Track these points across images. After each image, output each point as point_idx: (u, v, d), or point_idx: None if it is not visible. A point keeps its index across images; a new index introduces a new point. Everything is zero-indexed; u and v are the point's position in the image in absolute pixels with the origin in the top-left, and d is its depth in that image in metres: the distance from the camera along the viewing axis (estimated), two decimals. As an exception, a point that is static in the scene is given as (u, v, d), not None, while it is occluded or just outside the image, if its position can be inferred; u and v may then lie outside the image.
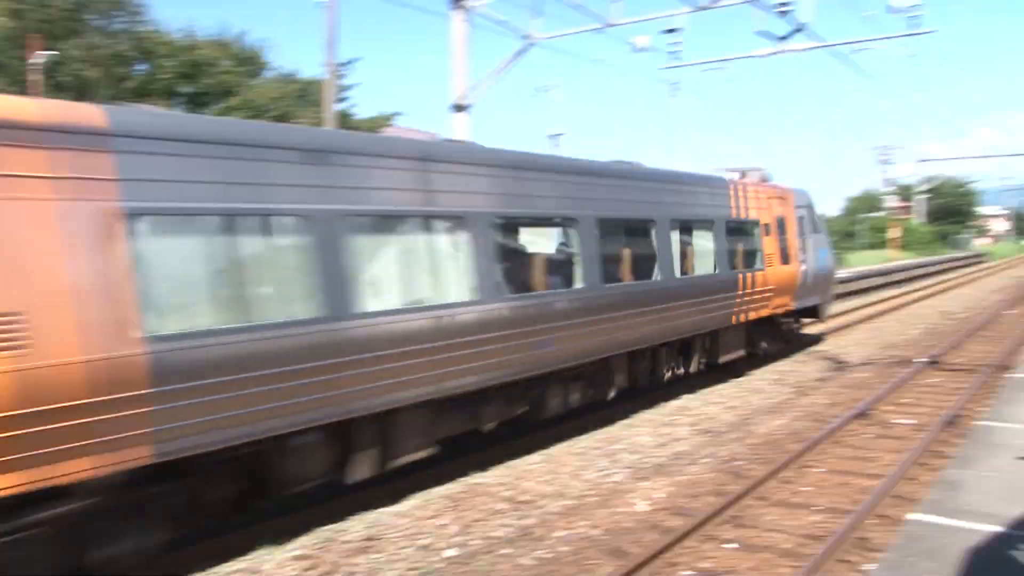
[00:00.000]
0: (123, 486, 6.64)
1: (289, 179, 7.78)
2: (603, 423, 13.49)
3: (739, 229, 16.61)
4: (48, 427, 5.85)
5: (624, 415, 14.04)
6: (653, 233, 13.52)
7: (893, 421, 13.52)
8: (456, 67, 20.89)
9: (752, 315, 16.96)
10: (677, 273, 14.08)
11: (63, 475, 5.99)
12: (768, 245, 17.54)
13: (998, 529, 7.03)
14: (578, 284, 11.76)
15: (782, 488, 10.17)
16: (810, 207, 20.01)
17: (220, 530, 8.47)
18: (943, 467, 9.38)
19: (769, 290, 17.47)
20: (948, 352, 20.34)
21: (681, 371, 15.41)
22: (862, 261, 56.45)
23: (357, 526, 8.82)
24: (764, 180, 18.15)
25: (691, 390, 16.01)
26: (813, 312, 20.39)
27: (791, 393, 16.17)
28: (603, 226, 12.12)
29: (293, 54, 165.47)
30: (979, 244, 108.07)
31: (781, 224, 18.35)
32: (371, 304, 8.30)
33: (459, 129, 21.23)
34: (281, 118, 28.88)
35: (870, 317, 28.29)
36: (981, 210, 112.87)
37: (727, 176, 17.46)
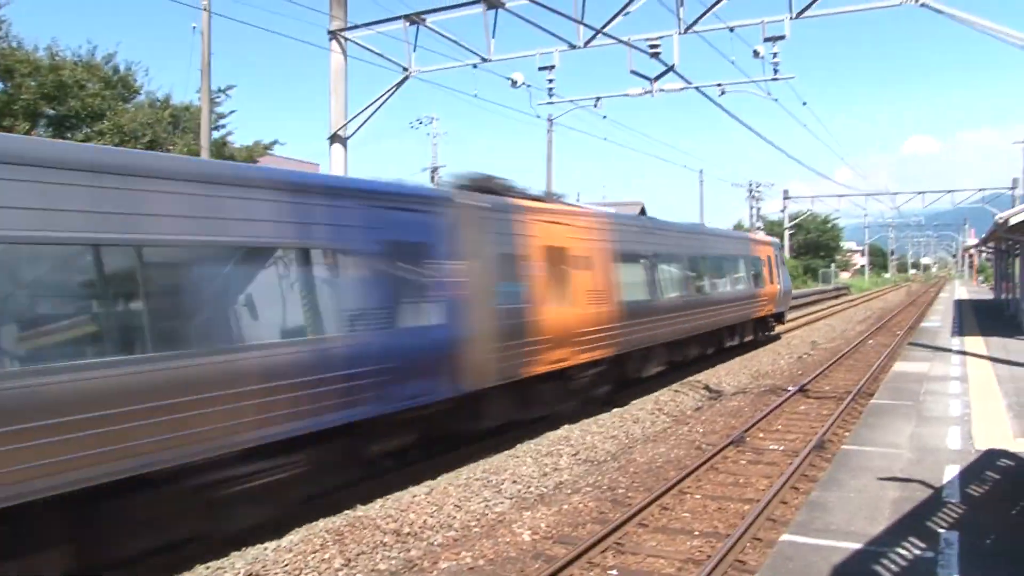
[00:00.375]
0: None
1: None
2: (486, 452, 13.61)
3: (754, 262, 28.74)
4: None
5: (507, 445, 14.20)
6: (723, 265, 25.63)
7: (766, 447, 14.11)
8: (334, 98, 20.79)
9: (758, 314, 28.94)
10: (730, 287, 25.83)
11: None
12: (764, 272, 29.58)
13: (859, 546, 7.46)
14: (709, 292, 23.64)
15: (662, 514, 10.48)
16: (780, 249, 30.30)
17: None
18: (812, 490, 9.82)
19: (765, 299, 29.39)
20: (816, 380, 21.32)
21: (736, 341, 27.50)
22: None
23: (238, 563, 8.64)
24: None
25: (572, 420, 16.29)
26: (779, 316, 32.69)
27: (669, 422, 16.66)
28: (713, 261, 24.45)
29: (166, 78, 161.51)
30: (843, 277, 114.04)
31: (768, 260, 30.39)
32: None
33: (336, 160, 21.15)
34: (153, 144, 28.11)
35: (743, 349, 29.36)
36: (844, 245, 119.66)
37: (744, 233, 31.03)
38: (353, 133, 21.40)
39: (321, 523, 9.96)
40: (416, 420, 11.36)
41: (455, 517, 10.24)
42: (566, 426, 15.70)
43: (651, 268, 19.61)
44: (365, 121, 21.57)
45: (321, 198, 9.84)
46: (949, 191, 58.27)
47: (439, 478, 12.09)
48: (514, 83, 20.92)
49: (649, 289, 19.27)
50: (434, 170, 52.41)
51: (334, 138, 20.88)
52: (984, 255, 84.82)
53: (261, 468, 8.96)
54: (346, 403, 9.75)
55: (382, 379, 10.25)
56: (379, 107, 21.48)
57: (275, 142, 33.87)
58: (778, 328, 33.72)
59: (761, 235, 34.83)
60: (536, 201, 15.20)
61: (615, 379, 17.52)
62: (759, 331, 30.59)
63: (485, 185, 14.06)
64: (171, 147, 28.34)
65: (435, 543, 9.43)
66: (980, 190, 57.97)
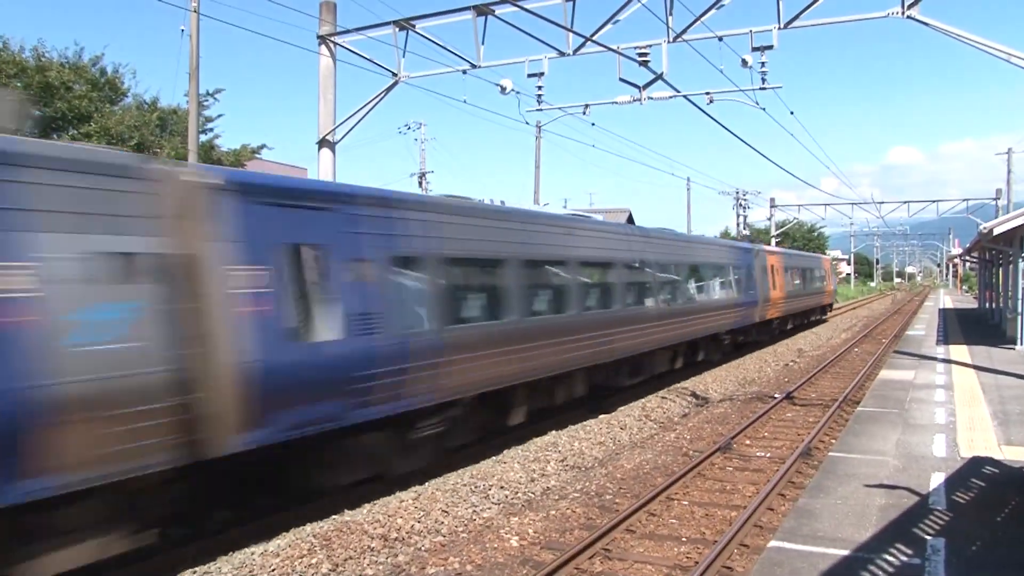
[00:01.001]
0: None
1: None
2: (473, 459, 13.62)
3: (763, 269, 32.69)
4: None
5: (495, 451, 14.21)
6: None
7: (753, 454, 14.19)
8: (323, 102, 20.77)
9: (768, 315, 33.14)
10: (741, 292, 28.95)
11: None
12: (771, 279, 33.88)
13: (847, 553, 7.52)
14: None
15: (650, 521, 10.52)
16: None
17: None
18: (799, 496, 9.90)
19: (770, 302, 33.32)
20: (802, 388, 21.44)
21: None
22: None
23: (225, 567, 8.63)
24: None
25: (560, 426, 16.34)
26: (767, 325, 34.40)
27: (656, 428, 16.70)
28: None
29: (154, 80, 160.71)
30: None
31: (774, 268, 34.32)
32: None
33: (325, 165, 21.12)
34: (140, 147, 28.01)
35: (730, 357, 29.48)
36: (830, 254, 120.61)
37: (750, 245, 33.18)
38: (342, 138, 21.39)
39: (308, 528, 9.95)
40: None
41: (443, 522, 10.24)
42: (553, 432, 15.69)
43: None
44: (354, 126, 21.58)
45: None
46: (934, 201, 58.50)
47: (427, 483, 12.09)
48: (503, 89, 20.96)
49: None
50: (421, 175, 52.58)
51: (323, 142, 20.85)
52: (968, 265, 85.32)
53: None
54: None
55: None
56: (368, 112, 21.48)
57: (263, 146, 33.84)
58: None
59: (770, 248, 37.30)
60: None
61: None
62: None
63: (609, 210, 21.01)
64: (159, 150, 28.25)
65: (423, 548, 9.43)
66: (964, 200, 58.26)
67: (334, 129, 21.03)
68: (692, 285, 23.83)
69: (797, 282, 38.84)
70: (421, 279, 11.80)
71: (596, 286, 17.54)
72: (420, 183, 51.96)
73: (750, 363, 27.50)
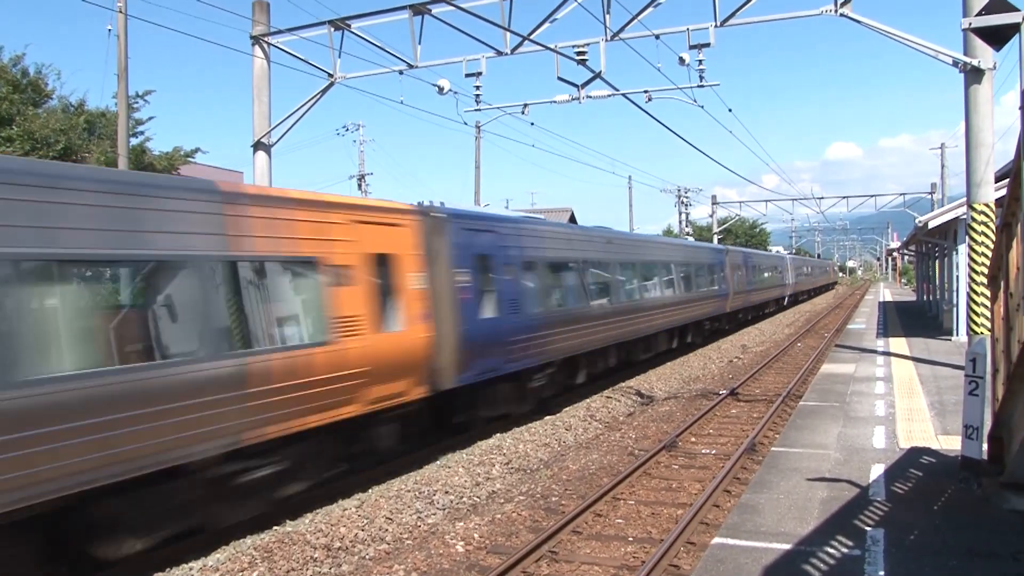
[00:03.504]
0: None
1: None
2: (417, 464, 13.60)
3: (732, 266, 37.46)
4: None
5: (439, 455, 14.22)
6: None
7: (698, 451, 14.36)
8: (257, 104, 20.51)
9: (729, 308, 36.54)
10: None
11: None
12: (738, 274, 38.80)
13: (789, 547, 7.67)
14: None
15: (596, 521, 10.60)
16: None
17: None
18: (743, 492, 10.07)
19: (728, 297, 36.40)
20: (746, 384, 21.75)
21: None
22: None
23: (162, 584, 8.52)
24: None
25: (504, 429, 16.38)
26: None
27: (601, 428, 16.85)
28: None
29: (81, 82, 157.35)
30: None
31: (738, 265, 39.17)
32: None
33: (260, 169, 20.90)
34: (67, 152, 27.38)
35: (674, 354, 29.62)
36: (772, 250, 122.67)
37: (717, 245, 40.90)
38: (277, 140, 21.17)
39: (249, 540, 9.86)
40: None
41: (387, 530, 10.21)
42: (498, 435, 15.77)
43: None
44: (290, 128, 21.37)
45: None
46: (872, 195, 59.63)
47: (370, 491, 12.05)
48: (440, 90, 20.94)
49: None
50: (360, 178, 52.16)
51: (258, 145, 20.63)
52: (907, 258, 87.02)
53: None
54: None
55: None
56: (304, 113, 21.28)
57: (197, 150, 33.29)
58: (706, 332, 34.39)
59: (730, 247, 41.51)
60: None
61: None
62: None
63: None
64: (86, 155, 27.62)
65: (367, 557, 9.39)
66: (901, 194, 59.46)
67: (269, 132, 20.80)
68: (690, 281, 29.99)
69: (760, 276, 47.01)
70: (535, 277, 17.19)
71: (630, 281, 23.46)
72: (359, 186, 51.63)
73: (695, 361, 27.81)
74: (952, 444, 11.40)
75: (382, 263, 12.13)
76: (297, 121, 21.30)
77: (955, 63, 15.83)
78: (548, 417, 17.64)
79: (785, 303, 48.16)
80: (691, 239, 46.92)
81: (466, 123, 34.52)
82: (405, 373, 12.36)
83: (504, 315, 15.31)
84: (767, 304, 48.92)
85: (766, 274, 49.10)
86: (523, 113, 23.99)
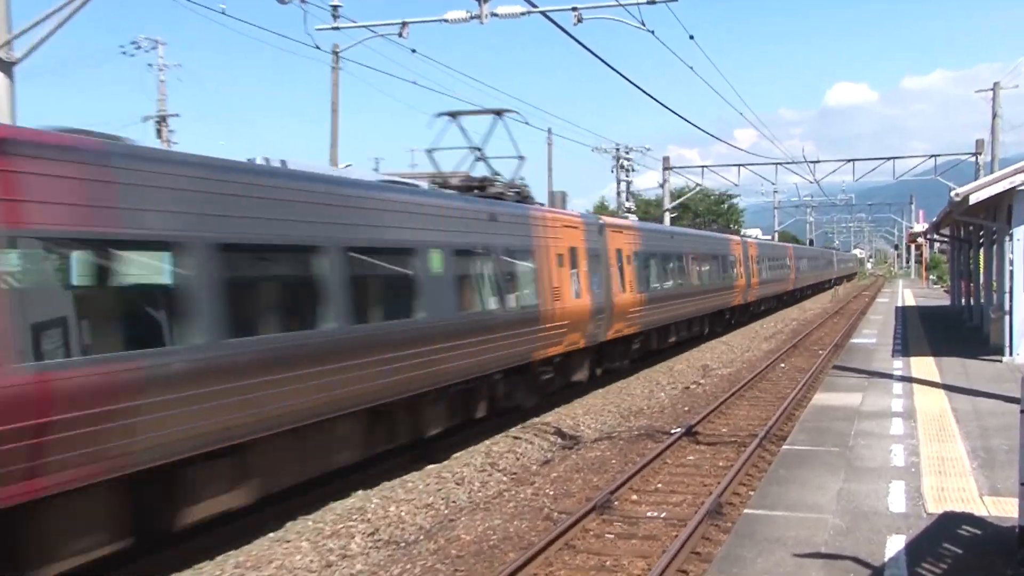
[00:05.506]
0: None
1: None
2: (242, 537, 13.29)
3: (746, 256, 54.30)
4: None
5: (274, 524, 13.93)
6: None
7: (642, 514, 14.37)
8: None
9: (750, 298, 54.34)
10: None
11: None
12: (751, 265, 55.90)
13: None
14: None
15: (497, 616, 10.49)
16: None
17: None
18: (705, 573, 10.05)
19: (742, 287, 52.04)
20: (709, 419, 21.95)
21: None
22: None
23: None
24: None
25: (368, 484, 16.22)
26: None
27: (508, 482, 16.80)
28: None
29: None
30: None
31: (751, 256, 55.36)
32: None
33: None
34: None
35: (608, 378, 29.78)
36: (747, 233, 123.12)
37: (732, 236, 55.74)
38: (25, 56, 20.44)
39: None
40: None
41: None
42: (360, 492, 15.61)
43: None
44: (45, 39, 20.67)
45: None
46: (889, 158, 59.51)
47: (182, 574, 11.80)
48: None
49: None
50: (160, 120, 50.31)
51: (-3, 64, 19.87)
52: (937, 246, 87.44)
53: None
54: None
55: None
56: (66, 19, 20.58)
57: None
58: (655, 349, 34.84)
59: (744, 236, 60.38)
60: None
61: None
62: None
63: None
64: None
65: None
66: (932, 156, 59.01)
67: (10, 41, 20.09)
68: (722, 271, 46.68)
69: (770, 266, 63.32)
70: (652, 265, 32.20)
71: (694, 270, 39.77)
72: (159, 131, 49.89)
73: (637, 387, 28.10)
74: (1004, 509, 11.47)
75: (571, 253, 24.57)
76: (57, 28, 20.57)
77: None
78: (431, 467, 17.55)
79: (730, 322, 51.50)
80: (634, 218, 47.38)
81: (319, 47, 33.87)
82: (581, 328, 24.75)
83: (633, 292, 30.06)
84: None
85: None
86: (401, 36, 23.75)
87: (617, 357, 29.42)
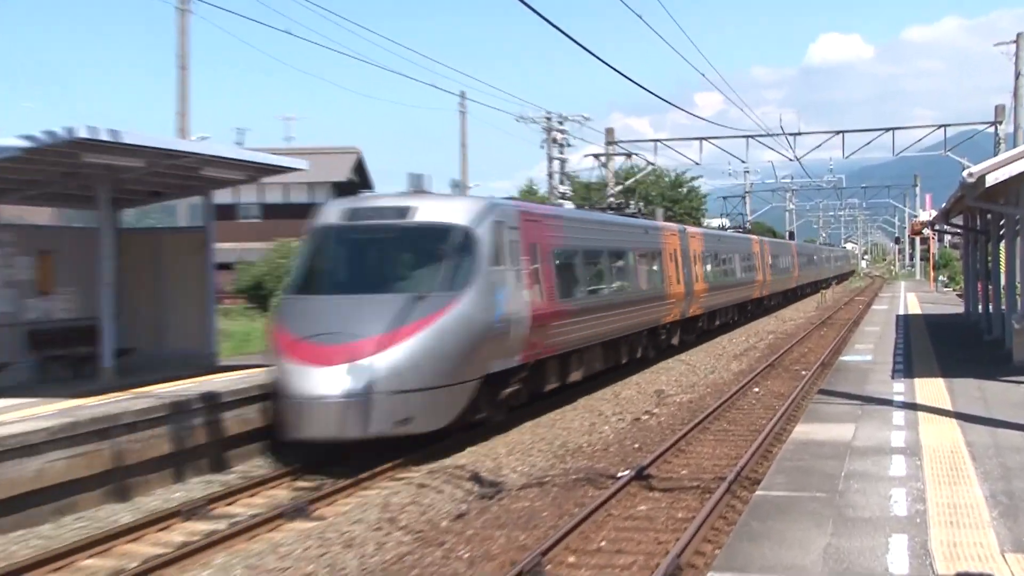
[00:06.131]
0: None
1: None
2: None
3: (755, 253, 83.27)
4: None
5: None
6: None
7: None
8: None
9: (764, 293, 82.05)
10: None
11: None
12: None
13: None
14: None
15: None
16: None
17: None
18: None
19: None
20: (665, 459, 22.05)
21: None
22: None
23: None
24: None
25: (232, 549, 16.15)
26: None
27: (410, 542, 16.70)
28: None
29: None
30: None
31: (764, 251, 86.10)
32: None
33: None
34: None
35: (540, 406, 29.79)
36: (707, 223, 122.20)
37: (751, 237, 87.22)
38: None
39: None
40: None
41: None
42: (219, 560, 15.53)
43: None
44: None
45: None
46: (887, 130, 59.33)
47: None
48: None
49: None
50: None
51: None
52: (948, 239, 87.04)
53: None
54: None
55: None
56: None
57: None
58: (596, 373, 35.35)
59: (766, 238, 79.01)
60: None
61: None
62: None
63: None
64: None
65: None
66: (940, 127, 58.80)
67: None
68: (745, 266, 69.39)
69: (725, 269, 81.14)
70: (713, 262, 59.24)
71: (737, 266, 65.98)
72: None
73: (574, 419, 28.12)
74: (1032, 569, 11.90)
75: (674, 253, 47.53)
76: None
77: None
78: (313, 524, 17.55)
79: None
80: (569, 205, 48.24)
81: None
82: (680, 306, 47.08)
83: (702, 282, 51.98)
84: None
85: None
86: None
87: (690, 332, 50.68)
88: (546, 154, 67.44)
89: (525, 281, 27.78)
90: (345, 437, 22.10)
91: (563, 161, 67.96)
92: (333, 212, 26.40)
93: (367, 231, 25.73)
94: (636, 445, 24.35)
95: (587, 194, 78.85)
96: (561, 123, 67.01)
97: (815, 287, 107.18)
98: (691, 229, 55.87)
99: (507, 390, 26.78)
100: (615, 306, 36.40)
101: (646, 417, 28.53)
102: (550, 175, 68.05)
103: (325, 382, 21.52)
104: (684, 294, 48.04)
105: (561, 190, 66.36)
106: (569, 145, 68.05)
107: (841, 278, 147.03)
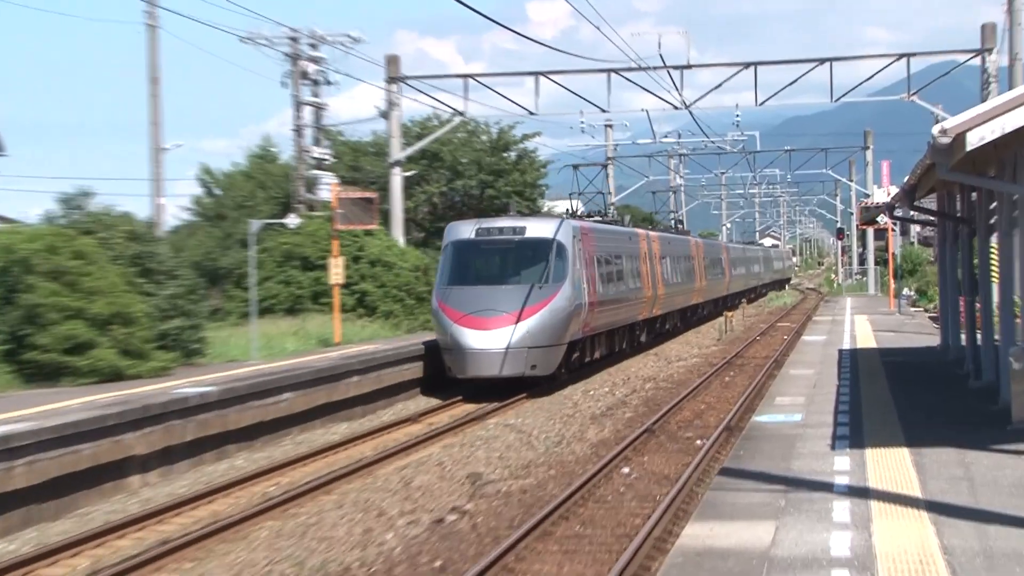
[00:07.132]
0: None
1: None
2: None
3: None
4: None
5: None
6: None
7: None
8: None
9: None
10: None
11: None
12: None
13: None
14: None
15: None
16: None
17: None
18: None
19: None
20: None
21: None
22: (240, 353, 55.10)
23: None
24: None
25: None
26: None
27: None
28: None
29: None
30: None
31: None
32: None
33: None
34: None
35: (270, 502, 27.02)
36: (547, 205, 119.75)
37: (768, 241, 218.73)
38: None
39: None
40: None
41: None
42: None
43: None
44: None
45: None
46: (823, 61, 60.33)
47: None
48: None
49: None
50: None
51: None
52: (916, 230, 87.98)
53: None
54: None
55: None
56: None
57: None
58: (372, 444, 35.70)
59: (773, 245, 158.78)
60: None
61: None
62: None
63: None
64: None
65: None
66: (902, 57, 59.78)
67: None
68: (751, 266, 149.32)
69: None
70: (730, 262, 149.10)
71: (753, 265, 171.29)
72: None
73: (340, 523, 24.51)
74: None
75: (693, 256, 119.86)
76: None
77: None
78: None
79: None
80: (331, 177, 51.39)
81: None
82: (703, 294, 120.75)
83: (703, 280, 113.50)
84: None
85: None
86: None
87: (706, 316, 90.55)
88: (292, 96, 64.37)
89: (584, 278, 54.82)
90: (501, 376, 47.59)
91: (319, 108, 65.40)
92: (466, 229, 54.23)
93: (497, 243, 53.35)
94: (437, 564, 21.85)
95: (356, 160, 78.97)
96: (315, 47, 63.69)
97: (727, 303, 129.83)
98: (696, 240, 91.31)
99: (575, 355, 53.72)
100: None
101: (454, 517, 24.76)
102: (297, 129, 65.87)
103: (489, 340, 47.35)
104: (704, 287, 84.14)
105: (316, 155, 64.61)
106: (329, 83, 62.00)
107: (769, 288, 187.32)
